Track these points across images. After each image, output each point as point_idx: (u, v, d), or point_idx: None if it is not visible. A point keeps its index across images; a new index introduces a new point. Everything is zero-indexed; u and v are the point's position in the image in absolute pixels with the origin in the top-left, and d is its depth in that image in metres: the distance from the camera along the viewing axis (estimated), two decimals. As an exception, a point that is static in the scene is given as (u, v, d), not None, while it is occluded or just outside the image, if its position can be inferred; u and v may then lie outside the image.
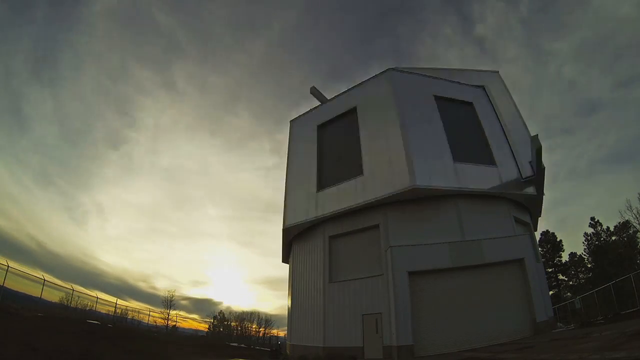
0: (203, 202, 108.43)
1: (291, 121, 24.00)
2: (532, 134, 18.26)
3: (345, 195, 17.47)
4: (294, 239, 20.98)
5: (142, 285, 73.58)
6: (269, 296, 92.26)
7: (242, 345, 34.97)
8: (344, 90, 21.69)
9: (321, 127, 21.42)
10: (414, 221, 15.69)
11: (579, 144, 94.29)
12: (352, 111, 19.76)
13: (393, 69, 19.60)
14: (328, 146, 20.81)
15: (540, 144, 16.28)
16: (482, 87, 20.90)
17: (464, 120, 19.23)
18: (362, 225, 16.62)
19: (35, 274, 20.88)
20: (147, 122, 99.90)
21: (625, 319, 12.96)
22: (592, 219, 40.79)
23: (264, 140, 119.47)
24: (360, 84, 20.69)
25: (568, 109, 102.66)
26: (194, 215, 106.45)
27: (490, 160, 17.75)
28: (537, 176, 17.31)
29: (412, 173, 15.19)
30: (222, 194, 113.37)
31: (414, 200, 15.95)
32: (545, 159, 17.06)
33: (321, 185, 19.19)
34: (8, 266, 17.26)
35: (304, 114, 23.59)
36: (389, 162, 16.39)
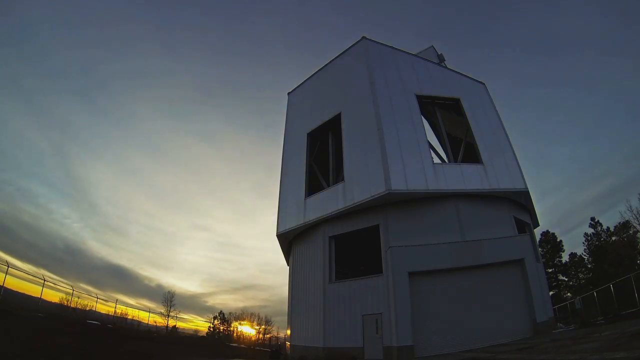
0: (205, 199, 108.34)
1: (285, 131, 24.23)
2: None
3: (328, 202, 17.61)
4: (294, 240, 20.97)
5: (144, 280, 73.41)
6: (269, 296, 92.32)
7: (242, 345, 35.03)
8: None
9: (310, 135, 21.56)
10: (414, 221, 15.66)
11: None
12: (337, 118, 19.77)
13: (368, 38, 20.02)
14: (316, 153, 21.16)
15: None
16: (471, 82, 20.95)
17: (448, 118, 19.16)
18: (362, 225, 16.58)
19: (35, 274, 20.94)
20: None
21: (626, 319, 12.94)
22: (592, 219, 40.80)
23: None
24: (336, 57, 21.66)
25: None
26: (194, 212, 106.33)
27: (476, 159, 17.72)
28: None
29: (388, 177, 15.17)
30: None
31: (414, 200, 15.93)
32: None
33: (309, 192, 19.42)
34: (8, 266, 17.28)
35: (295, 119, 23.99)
36: (367, 167, 16.40)
